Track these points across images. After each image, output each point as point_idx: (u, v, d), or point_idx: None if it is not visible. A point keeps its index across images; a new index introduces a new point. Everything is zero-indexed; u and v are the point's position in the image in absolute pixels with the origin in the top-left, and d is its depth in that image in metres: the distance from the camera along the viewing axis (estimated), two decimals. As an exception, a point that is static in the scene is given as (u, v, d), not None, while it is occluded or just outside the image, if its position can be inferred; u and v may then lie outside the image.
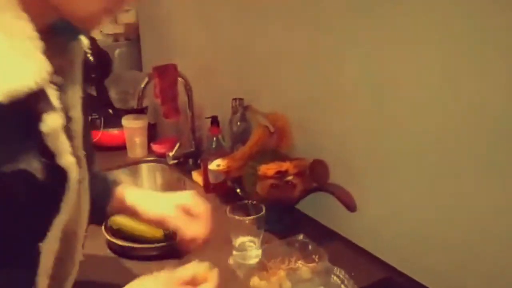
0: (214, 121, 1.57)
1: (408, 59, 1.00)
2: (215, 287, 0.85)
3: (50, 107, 0.65)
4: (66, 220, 0.74)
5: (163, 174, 1.73)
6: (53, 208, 0.71)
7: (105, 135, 1.80)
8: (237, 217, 1.13)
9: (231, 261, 1.15)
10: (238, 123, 1.48)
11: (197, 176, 1.56)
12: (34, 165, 0.65)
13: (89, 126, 0.90)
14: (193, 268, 0.86)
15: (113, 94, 1.84)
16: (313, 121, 1.29)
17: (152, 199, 1.05)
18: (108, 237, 1.21)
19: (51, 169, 0.67)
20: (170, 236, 1.20)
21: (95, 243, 1.20)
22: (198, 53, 1.71)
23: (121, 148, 1.78)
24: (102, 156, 1.76)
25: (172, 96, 1.55)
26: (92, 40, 1.84)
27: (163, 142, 1.77)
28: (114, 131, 1.81)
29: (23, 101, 0.60)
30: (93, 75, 1.80)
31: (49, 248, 0.72)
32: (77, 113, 0.75)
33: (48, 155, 0.66)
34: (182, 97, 1.63)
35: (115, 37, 2.04)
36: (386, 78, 1.06)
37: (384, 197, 1.13)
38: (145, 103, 1.74)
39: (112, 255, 1.21)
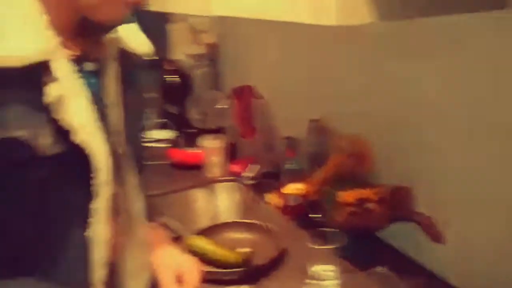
0: (291, 142, 1.56)
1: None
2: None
3: (52, 79, 0.69)
4: (106, 207, 0.77)
5: (239, 194, 1.72)
6: (87, 189, 0.75)
7: (185, 154, 1.84)
8: (315, 246, 1.09)
9: (306, 290, 1.11)
10: (315, 145, 1.45)
11: (270, 198, 1.55)
12: (41, 136, 0.69)
13: (136, 126, 0.93)
14: None
15: (193, 114, 1.88)
16: (396, 145, 1.23)
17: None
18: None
19: (70, 146, 0.71)
20: (248, 261, 1.19)
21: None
22: (275, 73, 1.70)
23: (200, 167, 1.81)
24: (182, 175, 1.81)
25: (249, 117, 1.55)
26: (175, 61, 1.91)
27: (241, 162, 1.77)
28: (194, 151, 1.83)
29: (32, 70, 0.66)
30: (175, 96, 1.85)
31: (98, 235, 0.78)
32: (112, 103, 0.81)
33: (62, 132, 0.71)
34: (259, 117, 1.63)
35: (196, 57, 2.09)
36: (489, 105, 0.98)
37: (475, 229, 1.04)
38: (226, 123, 1.76)
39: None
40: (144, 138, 1.15)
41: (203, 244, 1.23)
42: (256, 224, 1.35)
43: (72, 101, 0.72)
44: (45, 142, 0.69)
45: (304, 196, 1.31)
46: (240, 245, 1.26)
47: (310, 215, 1.33)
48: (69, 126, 0.71)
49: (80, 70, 0.76)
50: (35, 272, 0.75)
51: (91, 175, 0.75)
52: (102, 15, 0.76)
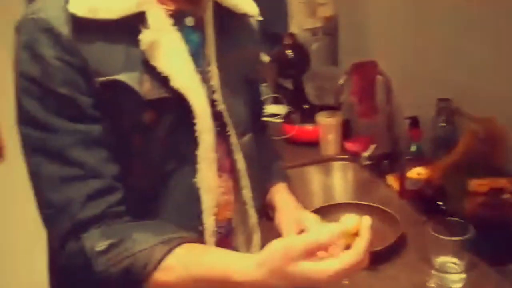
0: (414, 122, 1.46)
1: None
2: (367, 244, 0.68)
3: (146, 27, 0.74)
4: (211, 155, 0.82)
5: (355, 173, 1.67)
6: (191, 136, 0.80)
7: (300, 130, 1.82)
8: (440, 236, 1.02)
9: (431, 283, 1.05)
10: (443, 127, 1.34)
11: (392, 180, 1.47)
12: (141, 81, 0.74)
13: (244, 88, 0.94)
14: (336, 227, 0.67)
15: (309, 90, 1.85)
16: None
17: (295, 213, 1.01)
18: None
19: (170, 92, 0.76)
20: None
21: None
22: (400, 49, 1.60)
23: (315, 144, 1.78)
24: (296, 151, 1.79)
25: (370, 95, 1.49)
26: (291, 35, 1.87)
27: (357, 140, 1.71)
28: (309, 127, 1.81)
29: (130, 21, 0.73)
30: (291, 70, 1.83)
31: (206, 183, 0.82)
32: (212, 62, 0.84)
33: (161, 78, 0.76)
34: (380, 95, 1.55)
35: (313, 31, 2.04)
36: None
37: None
38: (343, 99, 1.71)
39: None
40: (260, 102, 1.15)
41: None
42: (372, 206, 1.30)
43: (167, 49, 0.77)
44: (146, 86, 0.75)
45: (426, 181, 1.22)
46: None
47: (435, 202, 1.24)
48: (166, 72, 0.76)
49: (179, 24, 0.80)
50: (147, 218, 0.80)
51: (193, 121, 0.79)
52: None
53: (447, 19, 1.36)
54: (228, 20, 0.89)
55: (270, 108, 2.17)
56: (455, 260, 1.04)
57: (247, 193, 0.93)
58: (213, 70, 0.84)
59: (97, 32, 0.73)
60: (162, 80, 0.76)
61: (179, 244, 0.73)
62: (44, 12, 0.73)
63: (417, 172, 1.21)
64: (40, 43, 0.72)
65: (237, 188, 0.93)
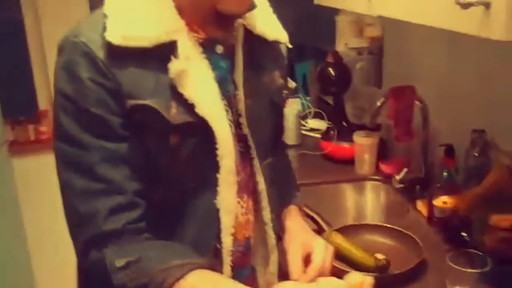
0: (449, 150, 1.46)
1: None
2: None
3: (176, 56, 0.79)
4: (231, 178, 0.85)
5: (386, 195, 1.69)
6: (212, 159, 0.84)
7: (337, 147, 1.84)
8: (457, 267, 1.03)
9: (444, 312, 1.06)
10: (475, 157, 1.34)
11: (421, 206, 1.48)
12: (169, 107, 0.79)
13: (268, 114, 0.97)
14: (341, 284, 0.77)
15: (349, 108, 1.87)
16: None
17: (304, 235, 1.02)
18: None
19: (196, 118, 0.81)
20: (383, 267, 1.17)
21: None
22: (439, 76, 1.60)
23: (351, 162, 1.80)
24: (332, 168, 1.82)
25: (406, 119, 1.50)
26: (334, 53, 1.90)
27: (392, 162, 1.72)
28: (346, 145, 1.83)
29: (161, 49, 0.78)
30: (332, 89, 1.86)
31: (225, 204, 0.86)
32: (239, 88, 0.88)
33: (188, 105, 0.80)
34: (418, 119, 1.56)
35: (359, 51, 2.06)
36: None
37: None
38: (379, 120, 1.72)
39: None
40: (282, 126, 1.17)
41: (340, 241, 1.23)
42: (398, 230, 1.31)
43: (194, 77, 0.81)
44: (173, 112, 0.80)
45: (453, 210, 1.23)
46: (378, 250, 1.24)
47: (460, 233, 1.25)
48: (192, 100, 0.81)
49: (209, 52, 0.85)
50: (167, 237, 0.85)
51: (215, 145, 0.84)
52: (226, 5, 0.81)
53: (481, 48, 1.36)
54: (258, 47, 0.93)
55: (310, 123, 2.21)
56: (472, 292, 1.05)
57: (267, 214, 0.96)
58: (240, 95, 0.89)
59: (131, 58, 0.78)
60: (188, 107, 0.81)
61: (194, 269, 0.77)
62: (84, 36, 0.79)
63: (443, 201, 1.22)
64: (78, 65, 0.77)
65: (257, 209, 0.96)
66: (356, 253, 1.21)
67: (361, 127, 1.79)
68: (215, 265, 0.86)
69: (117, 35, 0.77)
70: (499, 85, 1.32)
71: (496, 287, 1.07)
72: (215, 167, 0.85)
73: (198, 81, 0.82)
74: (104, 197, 0.79)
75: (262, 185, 0.94)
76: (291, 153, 1.99)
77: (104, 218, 0.78)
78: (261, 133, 0.93)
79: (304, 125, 2.21)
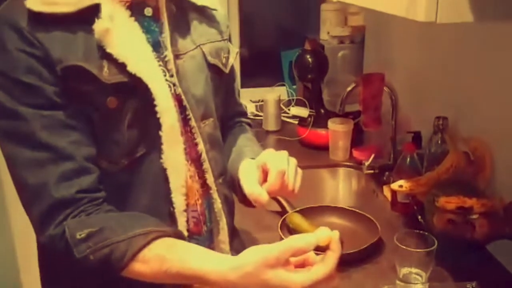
0: (416, 137, 1.49)
1: None
2: (337, 257, 0.73)
3: (99, 17, 0.79)
4: (174, 135, 0.85)
5: (358, 181, 1.72)
6: (154, 118, 0.84)
7: (313, 133, 1.87)
8: (403, 247, 1.06)
9: (392, 291, 1.09)
10: (438, 144, 1.37)
11: (387, 191, 1.51)
12: (101, 67, 0.80)
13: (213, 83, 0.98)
14: (313, 238, 0.73)
15: (325, 96, 1.89)
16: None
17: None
18: (281, 234, 1.27)
19: (129, 76, 0.81)
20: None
21: (269, 236, 1.28)
22: (411, 65, 1.63)
23: (325, 148, 1.82)
24: (307, 154, 1.85)
25: (375, 106, 1.52)
26: (312, 41, 1.92)
27: (365, 149, 1.74)
28: (322, 131, 1.85)
29: (87, 11, 0.79)
30: (309, 76, 1.88)
31: (172, 163, 0.86)
32: (168, 49, 0.88)
33: (119, 64, 0.81)
34: (387, 108, 1.58)
35: (341, 39, 2.07)
36: None
37: None
38: (354, 108, 1.75)
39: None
40: (236, 102, 1.16)
41: (299, 221, 1.26)
42: (357, 213, 1.34)
43: (123, 37, 0.81)
44: (105, 72, 0.80)
45: (411, 195, 1.26)
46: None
47: (417, 216, 1.28)
48: (122, 59, 0.81)
49: (139, 15, 0.86)
50: (119, 206, 0.84)
51: (154, 103, 0.84)
52: None
53: (451, 42, 1.38)
54: (187, 11, 0.95)
55: (293, 110, 2.24)
56: (419, 271, 1.08)
57: (209, 177, 0.94)
58: (169, 56, 0.89)
59: (56, 23, 0.78)
60: (120, 66, 0.81)
61: (158, 237, 0.76)
62: (8, 9, 0.80)
63: (399, 184, 1.24)
64: (3, 37, 0.78)
65: (201, 173, 0.94)
66: (311, 231, 1.24)
67: (337, 114, 1.81)
68: (181, 233, 0.85)
69: (36, 2, 0.77)
70: (463, 74, 1.34)
71: (446, 266, 1.10)
72: (158, 126, 0.85)
73: (127, 40, 0.82)
74: (52, 165, 0.78)
75: (201, 146, 0.93)
76: (270, 139, 2.03)
77: (54, 186, 0.78)
78: (196, 93, 0.92)
79: (286, 112, 2.24)
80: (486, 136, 1.20)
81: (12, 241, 2.41)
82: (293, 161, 0.96)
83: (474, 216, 1.05)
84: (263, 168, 0.93)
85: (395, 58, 1.75)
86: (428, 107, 1.51)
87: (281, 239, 1.26)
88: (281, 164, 0.91)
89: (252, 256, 0.71)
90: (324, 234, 0.76)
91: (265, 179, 0.92)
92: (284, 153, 0.95)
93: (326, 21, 2.17)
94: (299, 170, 0.97)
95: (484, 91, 1.24)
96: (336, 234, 0.75)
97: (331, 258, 0.73)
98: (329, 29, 2.10)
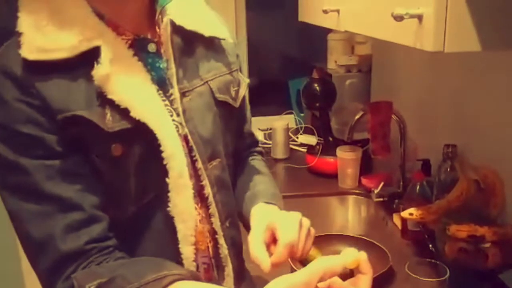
0: (425, 165, 1.49)
1: None
2: (371, 279, 0.65)
3: (98, 62, 0.75)
4: (183, 182, 0.81)
5: (367, 209, 1.71)
6: (160, 164, 0.79)
7: (321, 161, 1.87)
8: (415, 276, 1.05)
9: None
10: (447, 172, 1.36)
11: (397, 219, 1.50)
12: (103, 115, 0.75)
13: (222, 119, 0.93)
14: (340, 260, 0.64)
15: (334, 124, 1.90)
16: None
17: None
18: (292, 265, 1.25)
19: (133, 122, 0.77)
20: (346, 275, 1.18)
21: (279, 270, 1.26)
22: (418, 93, 1.64)
23: (334, 176, 1.82)
24: (315, 181, 1.85)
25: (383, 134, 1.53)
26: (320, 69, 1.95)
27: (374, 177, 1.74)
28: (330, 159, 1.86)
29: (86, 55, 0.74)
30: (317, 104, 1.90)
31: (180, 211, 0.81)
32: (174, 86, 0.84)
33: (122, 110, 0.76)
34: (396, 135, 1.59)
35: (348, 68, 2.10)
36: None
37: None
38: (362, 136, 1.75)
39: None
40: (248, 133, 1.12)
41: (310, 251, 1.25)
42: (368, 241, 1.33)
43: (125, 81, 0.77)
44: (108, 119, 0.76)
45: (421, 222, 1.25)
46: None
47: (428, 244, 1.27)
48: (124, 104, 0.76)
49: (142, 53, 0.81)
50: (128, 250, 0.80)
51: (161, 149, 0.79)
52: None
53: (457, 68, 1.39)
54: (193, 44, 0.89)
55: (301, 138, 2.25)
56: (430, 301, 1.06)
57: (216, 221, 0.89)
58: (175, 94, 0.84)
59: (54, 71, 0.74)
60: (123, 112, 0.76)
61: (174, 281, 0.68)
62: (2, 57, 0.75)
63: (409, 212, 1.23)
64: (1, 87, 0.74)
65: (208, 216, 0.89)
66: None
67: (346, 142, 1.82)
68: (199, 275, 0.80)
69: (32, 50, 0.73)
70: (470, 101, 1.35)
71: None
72: (165, 172, 0.80)
73: (129, 84, 0.78)
74: (58, 216, 0.74)
75: (208, 189, 0.88)
76: (279, 167, 2.03)
77: (61, 238, 0.73)
78: (202, 133, 0.87)
79: (295, 140, 2.25)
80: (496, 163, 1.19)
81: (13, 241, 2.40)
82: (306, 224, 0.90)
83: (486, 245, 1.04)
84: (272, 232, 0.87)
85: (403, 86, 1.77)
86: (437, 134, 1.52)
87: (293, 270, 1.25)
88: (291, 233, 0.84)
89: (279, 286, 0.62)
90: (351, 255, 0.68)
91: (273, 241, 0.86)
92: (297, 215, 0.89)
93: (333, 50, 2.20)
94: (312, 232, 0.91)
95: (492, 118, 1.24)
96: (364, 255, 0.67)
97: (365, 281, 0.65)
98: (337, 58, 2.13)
